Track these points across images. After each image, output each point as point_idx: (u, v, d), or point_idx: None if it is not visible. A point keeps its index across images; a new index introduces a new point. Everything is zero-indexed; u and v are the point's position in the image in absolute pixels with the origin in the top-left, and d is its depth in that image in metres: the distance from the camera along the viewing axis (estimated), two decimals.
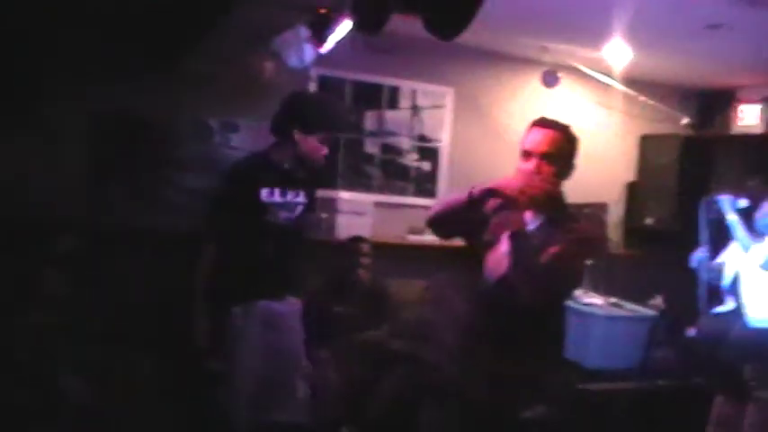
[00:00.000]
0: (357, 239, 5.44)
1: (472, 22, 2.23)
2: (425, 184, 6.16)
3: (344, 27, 3.75)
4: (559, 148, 2.69)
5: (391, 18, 2.89)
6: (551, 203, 2.61)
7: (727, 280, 5.02)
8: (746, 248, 4.72)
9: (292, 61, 4.31)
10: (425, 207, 5.95)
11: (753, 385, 4.80)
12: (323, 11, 3.72)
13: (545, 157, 2.66)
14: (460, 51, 5.98)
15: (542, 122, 2.78)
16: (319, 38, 3.87)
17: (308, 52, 4.14)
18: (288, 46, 4.31)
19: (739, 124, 7.08)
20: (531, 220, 2.65)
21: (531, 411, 2.68)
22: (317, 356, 4.90)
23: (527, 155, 2.70)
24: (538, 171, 2.64)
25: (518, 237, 2.45)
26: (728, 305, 5.02)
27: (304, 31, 4.00)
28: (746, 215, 4.84)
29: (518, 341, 2.59)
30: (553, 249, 2.52)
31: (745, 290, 4.87)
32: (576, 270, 2.67)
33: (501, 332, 2.60)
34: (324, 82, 5.71)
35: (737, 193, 4.85)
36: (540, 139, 2.70)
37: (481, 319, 2.66)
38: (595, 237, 2.68)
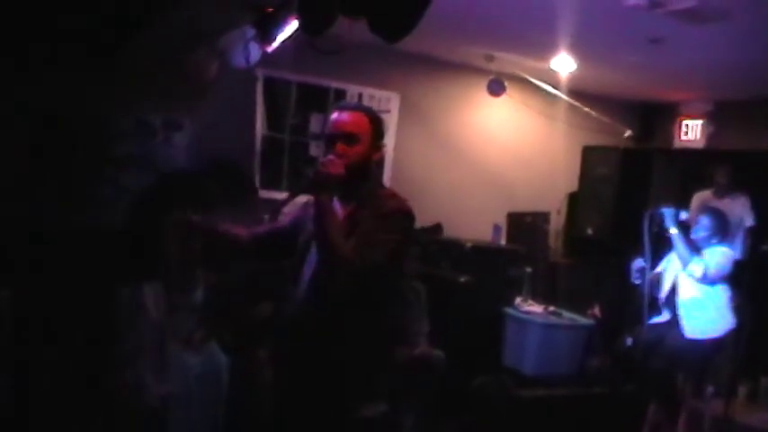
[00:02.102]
0: None
1: (417, 25, 2.22)
2: None
3: (291, 27, 3.72)
4: (358, 128, 2.61)
5: (339, 21, 2.87)
6: (334, 183, 2.52)
7: (664, 291, 5.10)
8: (685, 263, 4.79)
9: (237, 60, 4.25)
10: None
11: (685, 394, 4.89)
12: (270, 10, 3.68)
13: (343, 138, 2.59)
14: (408, 57, 6.00)
15: (339, 106, 2.72)
16: (265, 37, 3.83)
17: (254, 52, 4.09)
18: (233, 45, 4.25)
19: (681, 138, 7.23)
20: (340, 209, 2.59)
21: (367, 410, 2.59)
22: (256, 356, 4.84)
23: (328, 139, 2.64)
24: (340, 154, 2.56)
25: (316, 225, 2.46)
26: (664, 316, 5.10)
27: (250, 31, 3.95)
28: (685, 228, 4.92)
29: (345, 336, 2.53)
30: (359, 230, 2.48)
31: (680, 301, 4.96)
32: (384, 247, 2.50)
33: (327, 328, 2.53)
34: (269, 83, 5.67)
35: (679, 205, 4.92)
36: (336, 120, 2.63)
37: (308, 314, 2.59)
38: (396, 211, 2.56)
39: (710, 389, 4.97)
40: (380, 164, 2.76)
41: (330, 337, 2.52)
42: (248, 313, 5.08)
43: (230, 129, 5.52)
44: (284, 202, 2.66)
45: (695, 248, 4.86)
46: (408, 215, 2.60)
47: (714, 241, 4.85)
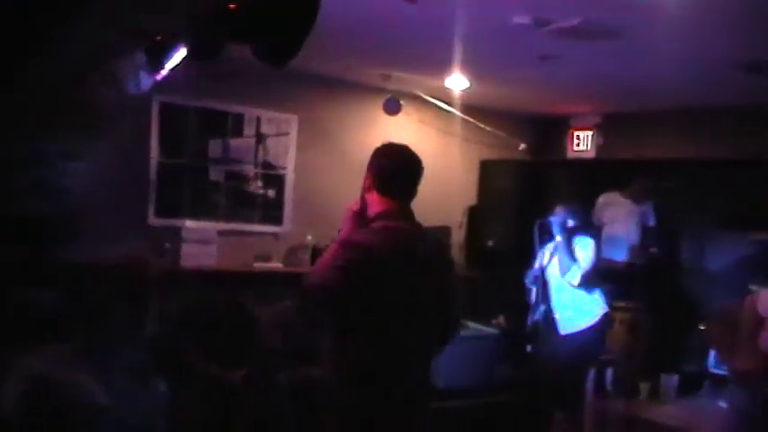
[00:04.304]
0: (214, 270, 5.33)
1: (298, 52, 2.25)
2: (271, 212, 6.14)
3: (180, 55, 3.70)
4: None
5: (229, 46, 2.88)
6: None
7: (539, 289, 5.22)
8: (564, 271, 4.94)
9: (129, 87, 4.21)
10: (272, 234, 5.95)
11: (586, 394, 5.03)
12: (158, 38, 3.65)
13: None
14: (305, 78, 6.02)
15: None
16: (155, 65, 3.80)
17: (145, 79, 4.06)
18: (125, 72, 4.21)
19: (574, 150, 7.47)
20: None
21: None
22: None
23: None
24: None
25: None
26: (542, 317, 5.22)
27: (140, 57, 3.92)
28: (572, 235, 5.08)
29: None
30: None
31: (552, 299, 5.09)
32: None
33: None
34: (166, 108, 5.60)
35: (566, 214, 5.09)
36: None
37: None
38: None
39: (611, 388, 5.13)
40: None
41: None
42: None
43: (126, 157, 5.43)
44: None
45: (570, 248, 5.01)
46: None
47: (577, 227, 5.02)
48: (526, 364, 5.55)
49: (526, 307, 5.71)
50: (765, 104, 5.68)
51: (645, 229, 6.58)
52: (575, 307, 4.99)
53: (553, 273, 5.07)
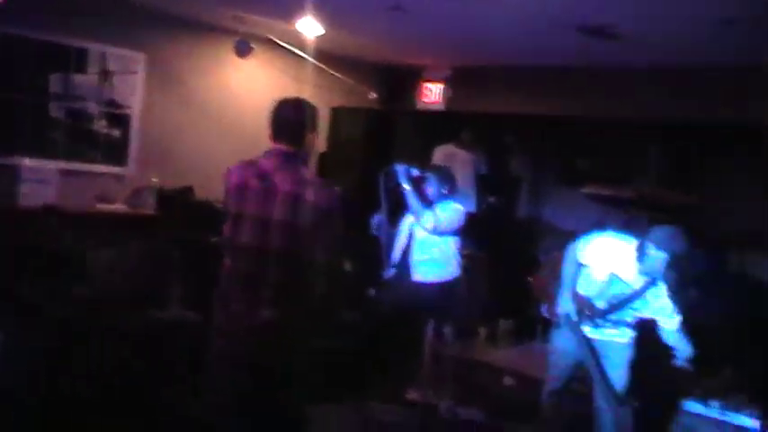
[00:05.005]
0: (50, 208, 5.16)
1: None
2: (115, 152, 5.97)
3: None
4: None
5: None
6: None
7: (400, 244, 5.37)
8: (418, 217, 5.07)
9: None
10: (116, 175, 5.81)
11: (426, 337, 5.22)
12: None
13: None
14: (154, 16, 5.88)
15: None
16: None
17: None
18: None
19: (424, 101, 7.63)
20: None
21: None
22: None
23: None
24: None
25: None
26: (398, 266, 5.37)
27: None
28: (420, 184, 5.20)
29: None
30: None
31: (412, 246, 5.25)
32: None
33: None
34: (2, 40, 5.31)
35: (411, 163, 5.20)
36: None
37: None
38: None
39: (449, 331, 5.34)
40: None
41: None
42: None
43: None
44: None
45: (428, 203, 5.16)
46: None
47: (444, 193, 5.17)
48: (368, 309, 5.69)
49: (373, 253, 5.85)
50: (595, 65, 5.99)
51: (479, 178, 6.91)
52: (431, 261, 5.13)
53: (416, 231, 5.18)
